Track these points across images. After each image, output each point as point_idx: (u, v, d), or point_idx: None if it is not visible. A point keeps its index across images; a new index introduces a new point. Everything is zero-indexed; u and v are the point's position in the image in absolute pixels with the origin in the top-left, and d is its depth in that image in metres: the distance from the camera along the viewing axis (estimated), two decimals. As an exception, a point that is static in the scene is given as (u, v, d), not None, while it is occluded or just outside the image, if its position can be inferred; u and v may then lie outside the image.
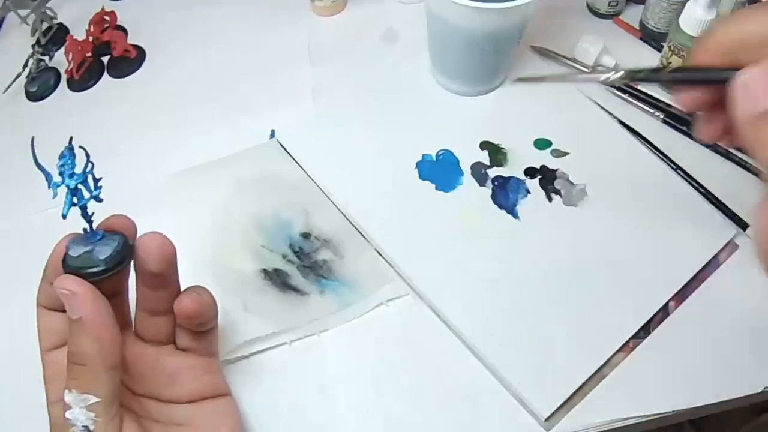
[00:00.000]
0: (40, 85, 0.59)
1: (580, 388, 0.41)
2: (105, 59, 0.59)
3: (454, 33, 0.48)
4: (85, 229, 0.33)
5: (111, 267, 0.32)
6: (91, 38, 0.60)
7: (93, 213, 0.33)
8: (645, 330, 0.43)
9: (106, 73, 0.59)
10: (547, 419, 0.40)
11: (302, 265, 0.46)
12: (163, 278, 0.36)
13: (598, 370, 0.42)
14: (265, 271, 0.46)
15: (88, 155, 0.31)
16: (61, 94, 0.59)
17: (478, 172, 0.49)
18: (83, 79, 0.58)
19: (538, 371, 0.42)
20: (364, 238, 0.47)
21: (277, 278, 0.46)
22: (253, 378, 0.43)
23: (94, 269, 0.31)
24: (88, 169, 0.31)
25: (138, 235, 0.35)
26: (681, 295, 0.44)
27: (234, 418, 0.39)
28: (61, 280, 0.31)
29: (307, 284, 0.45)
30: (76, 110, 0.57)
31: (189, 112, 0.55)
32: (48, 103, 0.59)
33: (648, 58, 0.56)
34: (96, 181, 0.32)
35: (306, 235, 0.47)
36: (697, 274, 0.45)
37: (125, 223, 0.35)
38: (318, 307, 0.44)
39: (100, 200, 0.32)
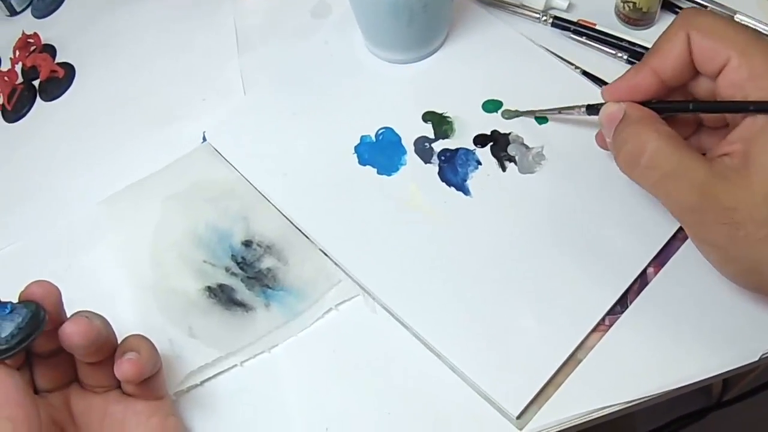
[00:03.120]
0: (-25, 122, 0.57)
1: (553, 378, 0.37)
2: (37, 83, 0.57)
3: (374, -3, 0.43)
4: None
5: (11, 347, 0.31)
6: (18, 65, 0.57)
7: None
8: (621, 303, 0.39)
9: (38, 97, 0.56)
10: (518, 417, 0.37)
11: (246, 276, 0.43)
12: (92, 353, 0.35)
13: (571, 356, 0.38)
14: (209, 288, 0.43)
15: None
16: (-1, 127, 0.57)
17: (422, 148, 0.45)
18: (16, 108, 0.55)
19: (504, 365, 0.38)
20: (308, 238, 0.44)
21: (222, 294, 0.43)
22: (209, 406, 0.41)
23: None
24: None
25: (62, 299, 0.35)
26: (660, 259, 0.39)
27: None
28: None
29: (252, 297, 0.42)
30: (16, 141, 0.55)
31: (122, 126, 0.52)
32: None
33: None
34: None
35: (247, 243, 0.44)
36: (676, 232, 0.40)
37: (46, 290, 0.34)
38: (264, 323, 0.42)
39: None
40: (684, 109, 0.36)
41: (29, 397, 0.32)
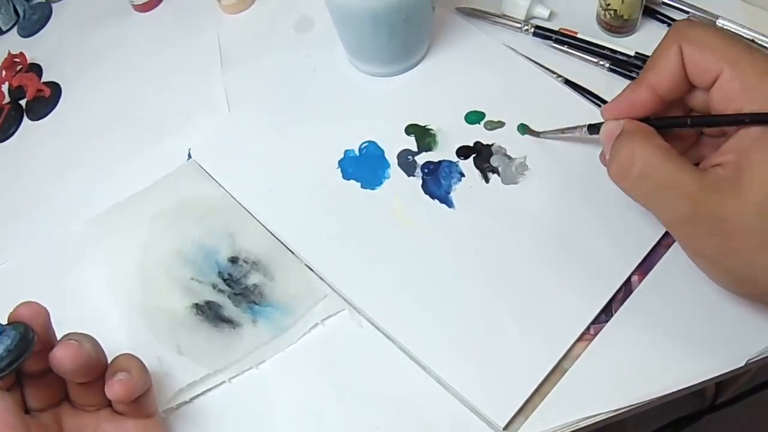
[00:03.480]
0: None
1: (539, 388, 0.37)
2: (24, 102, 0.57)
3: (354, 12, 0.43)
4: None
5: (1, 369, 0.31)
6: (4, 85, 0.57)
7: None
8: (606, 312, 0.39)
9: (25, 116, 0.56)
10: (505, 427, 0.37)
11: (233, 293, 0.43)
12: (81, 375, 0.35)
13: (557, 366, 0.38)
14: (196, 305, 0.43)
15: None
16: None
17: (406, 161, 0.45)
18: (3, 128, 0.55)
19: (489, 377, 0.38)
20: (293, 254, 0.44)
21: (209, 311, 0.43)
22: (198, 423, 0.41)
23: None
24: None
25: (50, 320, 0.35)
26: (645, 267, 0.39)
27: None
28: None
29: (239, 314, 0.42)
30: (3, 161, 0.55)
31: (108, 144, 0.52)
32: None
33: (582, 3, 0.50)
34: None
35: (234, 260, 0.44)
36: (661, 239, 0.40)
37: (34, 311, 0.34)
38: (252, 339, 0.42)
39: None
40: (682, 125, 0.35)
41: (19, 417, 0.32)
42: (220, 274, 0.44)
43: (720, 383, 0.70)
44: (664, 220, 0.34)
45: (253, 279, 0.43)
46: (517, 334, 0.38)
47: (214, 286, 0.44)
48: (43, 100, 0.56)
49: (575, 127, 0.41)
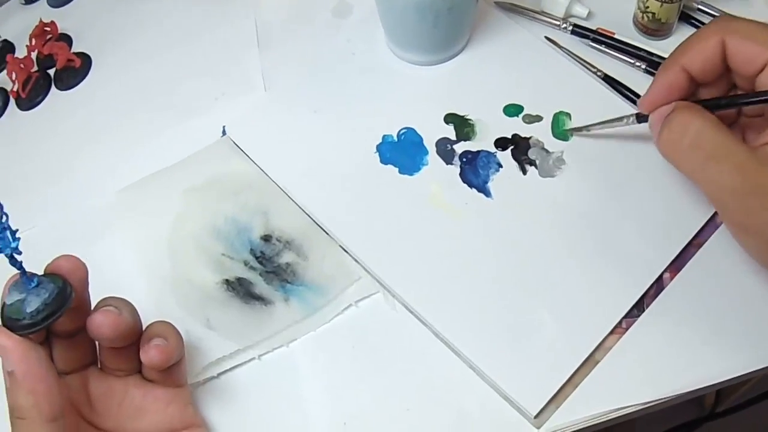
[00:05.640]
0: (-12, 108, 0.56)
1: (571, 378, 0.38)
2: (52, 71, 0.56)
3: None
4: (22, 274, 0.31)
5: (37, 322, 0.30)
6: (34, 53, 0.57)
7: (21, 261, 0.31)
8: (638, 307, 0.39)
9: (53, 86, 0.56)
10: (536, 416, 0.37)
11: (265, 270, 0.43)
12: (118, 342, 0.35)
13: (589, 357, 0.38)
14: (227, 281, 0.43)
15: (0, 205, 0.30)
16: (11, 115, 0.56)
17: (444, 149, 0.45)
18: (30, 96, 0.55)
19: (523, 365, 0.38)
20: (328, 234, 0.44)
21: (240, 288, 0.43)
22: (225, 399, 0.41)
23: (21, 322, 0.30)
24: (3, 221, 0.30)
25: (88, 271, 0.34)
26: (676, 265, 0.40)
27: None
28: None
29: (271, 292, 0.42)
30: (28, 129, 0.54)
31: (138, 118, 0.52)
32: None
33: (620, 3, 0.50)
34: (14, 232, 0.30)
35: (267, 238, 0.44)
36: (693, 239, 0.40)
37: (74, 265, 0.33)
38: (283, 317, 0.42)
39: (19, 252, 0.30)
40: (733, 104, 0.36)
41: (52, 371, 0.31)
42: (252, 251, 0.44)
43: (720, 391, 0.72)
44: (714, 192, 0.33)
45: (286, 258, 0.43)
46: (550, 324, 0.39)
47: (245, 263, 0.44)
48: (73, 70, 0.55)
49: (621, 118, 0.41)
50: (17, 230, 0.30)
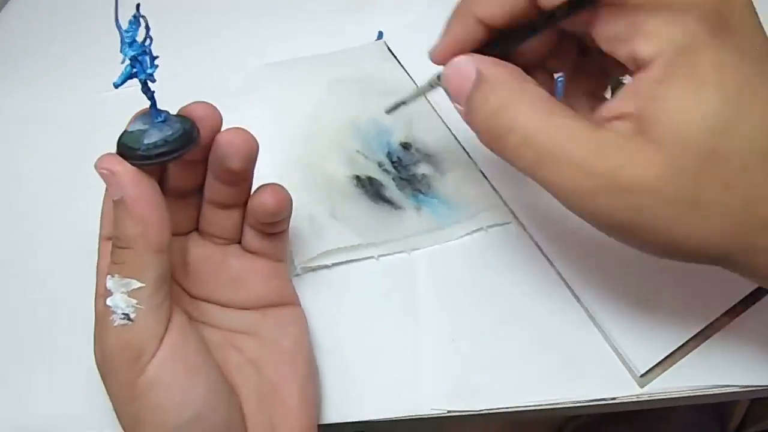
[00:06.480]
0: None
1: (680, 347, 0.39)
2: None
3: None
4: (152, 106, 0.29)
5: (150, 156, 0.28)
6: None
7: (154, 91, 0.29)
8: (753, 296, 0.41)
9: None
10: (642, 375, 0.38)
11: (399, 176, 0.43)
12: (241, 174, 0.33)
13: (700, 332, 0.39)
14: (357, 177, 0.43)
15: (148, 27, 0.27)
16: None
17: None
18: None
19: (639, 324, 0.38)
20: (470, 157, 0.44)
21: (370, 187, 0.43)
22: (332, 290, 0.41)
23: (136, 152, 0.28)
24: (146, 43, 0.28)
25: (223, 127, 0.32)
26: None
27: (300, 329, 0.36)
28: (101, 158, 0.28)
29: (402, 198, 0.42)
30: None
31: (292, 3, 0.51)
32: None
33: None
34: (153, 58, 0.28)
35: (406, 146, 0.44)
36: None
37: (208, 112, 0.31)
38: (413, 224, 0.41)
39: (153, 80, 0.29)
40: (536, 27, 0.28)
41: (162, 203, 0.29)
42: (389, 155, 0.44)
43: (746, 416, 0.74)
44: (558, 194, 0.27)
45: (423, 169, 0.43)
46: (671, 293, 0.39)
47: (380, 165, 0.43)
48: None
49: (427, 84, 0.35)
50: (157, 57, 0.28)
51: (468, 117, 0.30)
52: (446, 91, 0.31)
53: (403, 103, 0.39)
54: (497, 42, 0.29)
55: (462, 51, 0.30)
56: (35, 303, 0.43)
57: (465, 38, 0.30)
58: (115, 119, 0.31)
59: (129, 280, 0.28)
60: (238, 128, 0.32)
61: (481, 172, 0.43)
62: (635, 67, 0.26)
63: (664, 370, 0.38)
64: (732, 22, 0.25)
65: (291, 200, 0.35)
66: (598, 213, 0.27)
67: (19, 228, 0.46)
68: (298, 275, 0.41)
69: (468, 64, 0.29)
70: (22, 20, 0.58)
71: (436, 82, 0.33)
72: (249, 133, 0.32)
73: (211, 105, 0.31)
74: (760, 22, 0.26)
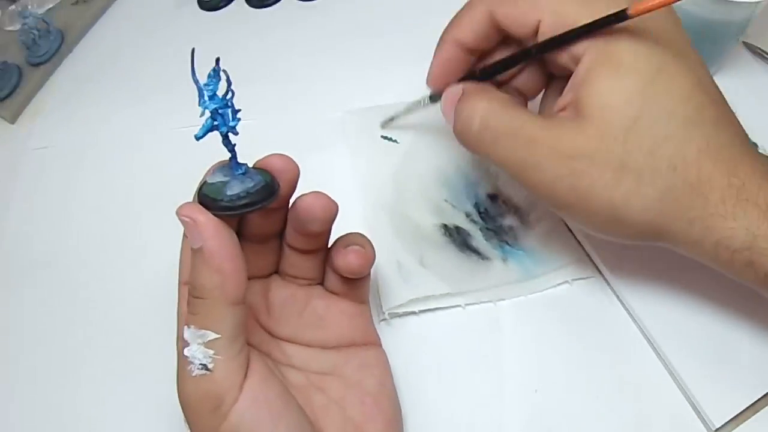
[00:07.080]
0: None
1: (754, 403, 0.40)
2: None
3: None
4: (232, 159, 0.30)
5: (233, 206, 0.28)
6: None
7: (235, 144, 0.29)
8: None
9: (286, -7, 0.57)
10: (717, 429, 0.39)
11: (486, 227, 0.44)
12: (321, 234, 0.34)
13: (776, 388, 0.41)
14: (445, 226, 0.44)
15: (229, 82, 0.28)
16: (238, 7, 0.56)
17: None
18: (264, -3, 0.56)
19: (716, 376, 0.39)
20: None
21: (458, 236, 0.44)
22: (418, 336, 0.42)
23: (219, 203, 0.28)
24: (228, 97, 0.28)
25: (298, 175, 0.33)
26: None
27: (383, 370, 0.37)
28: (183, 206, 0.28)
29: (489, 248, 0.44)
30: (252, 26, 0.55)
31: (378, 46, 0.52)
32: (222, 15, 0.56)
33: None
34: (235, 112, 0.28)
35: (493, 198, 0.46)
36: None
37: (286, 165, 0.32)
38: (499, 274, 0.43)
39: (235, 133, 0.29)
40: (520, 59, 0.36)
41: (241, 254, 0.29)
42: (476, 205, 0.45)
43: None
44: (513, 173, 0.33)
45: (509, 221, 0.45)
46: (749, 345, 0.40)
47: (467, 215, 0.45)
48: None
49: (419, 101, 0.43)
50: (239, 110, 0.29)
51: (453, 127, 0.36)
52: (442, 110, 0.38)
53: (394, 118, 0.47)
54: (481, 74, 0.37)
55: (450, 72, 0.37)
56: (122, 335, 0.43)
57: (449, 58, 0.37)
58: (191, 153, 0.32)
59: (205, 331, 0.28)
60: (318, 193, 0.33)
61: (567, 226, 0.45)
62: (574, 64, 0.32)
63: (739, 425, 0.40)
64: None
65: (375, 257, 0.36)
66: (545, 182, 0.32)
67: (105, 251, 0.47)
68: (384, 320, 0.42)
69: (458, 87, 0.36)
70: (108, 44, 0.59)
71: (426, 102, 0.41)
72: (328, 197, 0.33)
73: (288, 157, 0.32)
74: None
